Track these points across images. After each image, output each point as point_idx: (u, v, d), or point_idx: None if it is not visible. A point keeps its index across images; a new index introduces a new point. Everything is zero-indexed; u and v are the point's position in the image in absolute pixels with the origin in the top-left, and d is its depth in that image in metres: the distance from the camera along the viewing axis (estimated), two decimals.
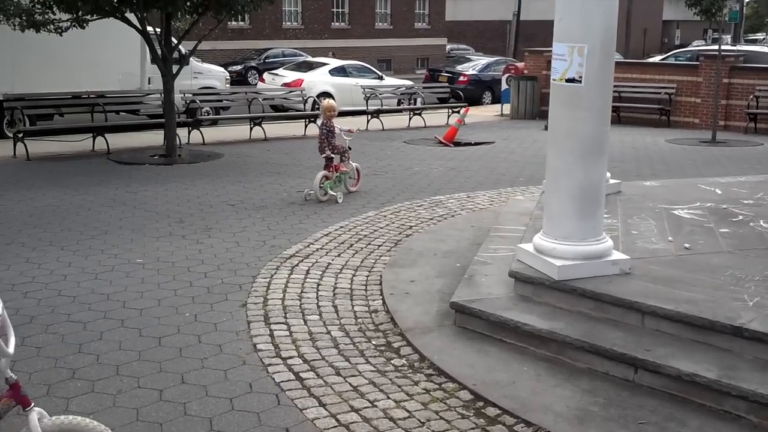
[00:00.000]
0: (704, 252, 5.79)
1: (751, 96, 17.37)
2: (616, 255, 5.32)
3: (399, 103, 20.21)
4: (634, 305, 4.76)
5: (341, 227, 7.96)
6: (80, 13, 11.50)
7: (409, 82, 22.44)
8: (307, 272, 6.47)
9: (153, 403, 4.16)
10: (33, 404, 3.00)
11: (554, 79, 5.19)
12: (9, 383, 2.99)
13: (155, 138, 13.87)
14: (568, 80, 5.06)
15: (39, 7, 11.52)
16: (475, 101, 22.70)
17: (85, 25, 11.86)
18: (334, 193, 9.21)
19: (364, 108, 17.74)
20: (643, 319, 4.73)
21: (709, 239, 6.15)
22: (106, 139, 13.02)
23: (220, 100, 17.42)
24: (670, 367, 4.24)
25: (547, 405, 4.18)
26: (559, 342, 4.71)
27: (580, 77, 5.00)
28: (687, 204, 7.36)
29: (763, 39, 52.21)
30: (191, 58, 16.10)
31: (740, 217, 6.87)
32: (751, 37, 54.89)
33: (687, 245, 5.92)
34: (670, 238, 6.13)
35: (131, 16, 12.00)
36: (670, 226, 6.51)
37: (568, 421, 4.02)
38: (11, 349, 2.91)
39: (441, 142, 14.90)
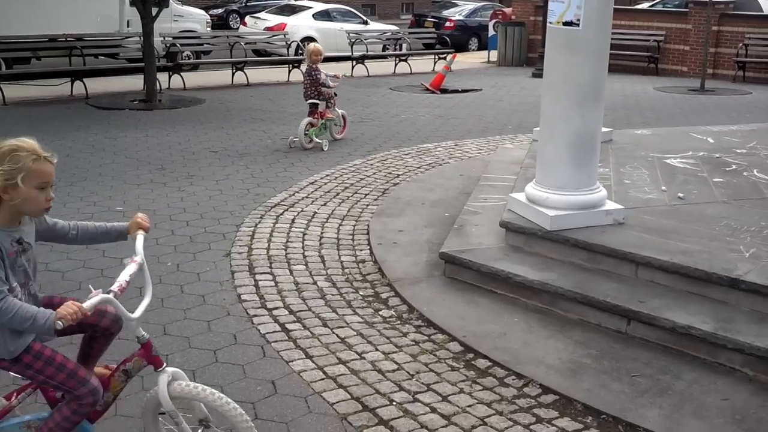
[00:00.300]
0: (698, 202, 5.69)
1: (741, 44, 17.19)
2: (610, 205, 5.20)
3: (384, 48, 19.85)
4: (628, 256, 4.66)
5: (327, 175, 7.80)
6: None
7: (394, 27, 22.01)
8: (293, 221, 6.32)
9: None
10: (165, 365, 2.85)
11: (551, 22, 4.99)
12: (140, 342, 2.82)
13: (135, 83, 13.56)
14: (566, 23, 4.86)
15: None
16: (461, 47, 22.35)
17: None
18: (320, 141, 9.02)
19: (349, 53, 17.41)
20: (637, 270, 4.64)
21: (703, 189, 6.05)
22: (84, 84, 12.73)
23: (201, 44, 16.97)
24: (665, 319, 4.16)
25: (539, 357, 4.10)
26: (551, 293, 4.61)
27: (578, 20, 4.81)
28: (679, 153, 7.25)
29: None
30: (171, 1, 15.71)
31: (734, 167, 6.77)
32: None
33: (681, 195, 5.81)
34: (663, 188, 6.02)
35: None
36: (663, 176, 6.40)
37: (560, 373, 3.94)
38: (138, 312, 2.72)
39: (428, 89, 14.68)
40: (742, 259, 4.51)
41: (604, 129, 7.45)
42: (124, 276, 2.70)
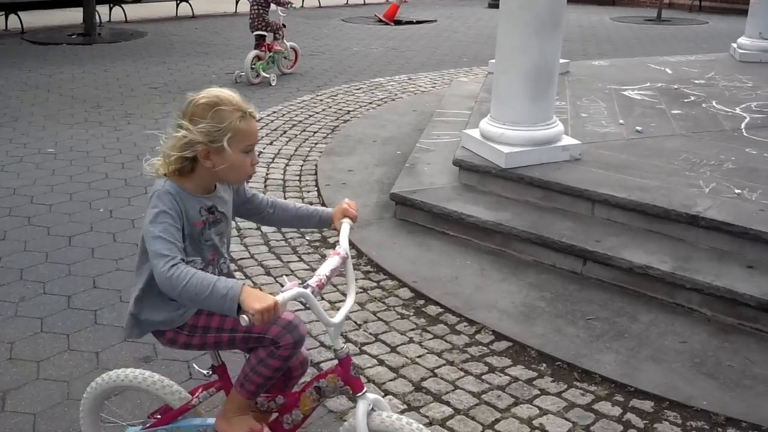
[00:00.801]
0: (657, 135, 5.51)
1: None
2: (567, 140, 4.99)
3: None
4: (584, 193, 4.47)
5: (274, 113, 7.47)
6: None
7: None
8: None
9: (60, 311, 3.75)
10: (365, 390, 2.29)
11: None
12: (338, 357, 2.28)
13: (74, 16, 12.93)
14: None
15: None
16: None
17: None
18: (267, 75, 8.64)
19: None
20: (594, 208, 4.46)
21: (661, 121, 5.86)
22: (19, 17, 12.16)
23: None
24: (621, 259, 4.00)
25: (492, 302, 3.92)
26: (505, 234, 4.42)
27: None
28: (637, 84, 7.05)
29: None
30: None
31: (692, 98, 6.59)
32: None
33: (639, 128, 5.62)
34: (621, 121, 5.83)
35: None
36: (620, 108, 6.20)
37: (513, 318, 3.77)
38: (339, 317, 2.22)
39: (381, 21, 14.27)
40: (702, 195, 4.35)
41: (561, 60, 7.24)
42: (324, 270, 2.21)
